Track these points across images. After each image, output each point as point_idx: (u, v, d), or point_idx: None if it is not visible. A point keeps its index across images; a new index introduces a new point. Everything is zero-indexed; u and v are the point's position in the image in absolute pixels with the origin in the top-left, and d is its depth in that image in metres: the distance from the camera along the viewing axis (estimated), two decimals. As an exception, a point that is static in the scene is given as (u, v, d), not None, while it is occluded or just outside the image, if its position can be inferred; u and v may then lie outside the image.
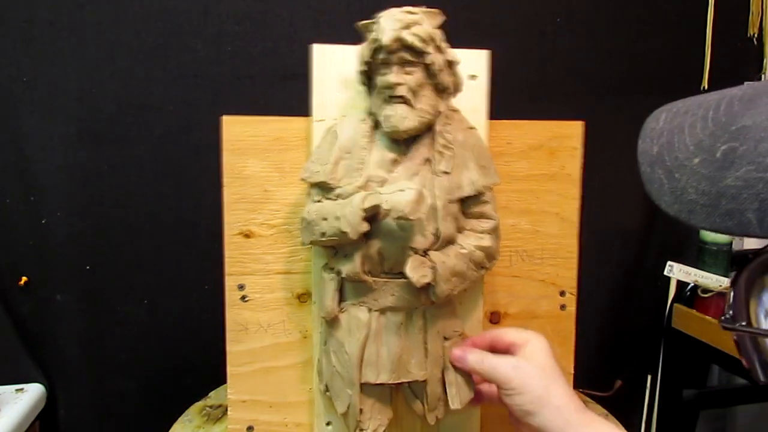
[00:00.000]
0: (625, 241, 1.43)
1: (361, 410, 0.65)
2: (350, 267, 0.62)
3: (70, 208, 1.14)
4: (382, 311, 0.64)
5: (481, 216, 0.66)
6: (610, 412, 0.85)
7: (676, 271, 1.25)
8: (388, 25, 0.59)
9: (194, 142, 1.15)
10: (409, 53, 0.60)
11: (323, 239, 0.62)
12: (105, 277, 1.17)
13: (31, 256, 1.14)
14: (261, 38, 1.16)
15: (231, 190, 0.72)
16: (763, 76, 1.44)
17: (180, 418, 0.85)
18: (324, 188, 0.64)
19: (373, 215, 0.59)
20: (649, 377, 1.37)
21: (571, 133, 0.77)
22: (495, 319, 0.78)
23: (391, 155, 0.63)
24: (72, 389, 1.19)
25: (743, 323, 0.48)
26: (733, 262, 1.24)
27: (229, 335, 0.73)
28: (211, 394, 0.92)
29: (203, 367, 1.01)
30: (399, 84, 0.60)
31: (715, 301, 1.23)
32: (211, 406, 0.88)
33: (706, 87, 1.40)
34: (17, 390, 1.11)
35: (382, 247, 0.61)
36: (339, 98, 0.70)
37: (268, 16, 1.16)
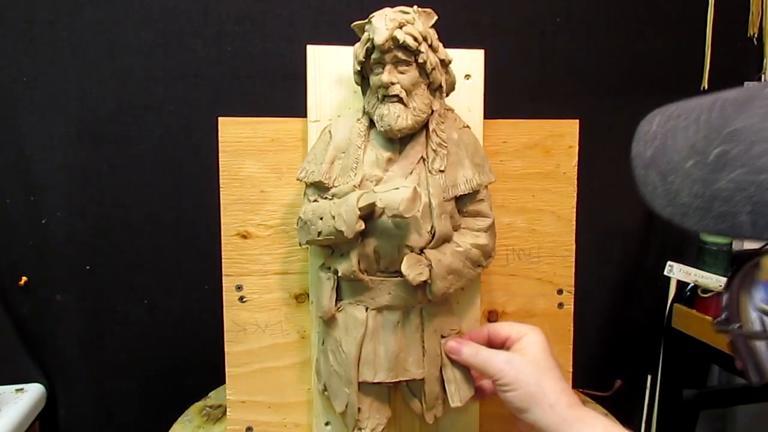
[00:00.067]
0: (625, 241, 1.43)
1: (359, 409, 0.65)
2: (347, 266, 0.62)
3: (70, 208, 1.14)
4: (379, 310, 0.64)
5: (477, 214, 0.66)
6: (610, 412, 0.85)
7: (676, 271, 1.25)
8: (381, 24, 0.59)
9: (194, 142, 1.15)
10: (402, 52, 0.60)
11: (320, 238, 0.62)
12: (105, 277, 1.17)
13: (31, 256, 1.14)
14: (261, 38, 1.17)
15: (228, 191, 0.72)
16: (763, 76, 1.44)
17: (180, 418, 0.86)
18: (320, 188, 0.64)
19: (368, 214, 0.59)
20: (649, 377, 1.37)
21: (566, 131, 0.78)
22: (492, 317, 0.78)
23: (386, 154, 0.63)
24: (72, 389, 1.20)
25: (737, 325, 0.48)
26: (733, 262, 1.24)
27: (227, 336, 0.73)
28: (211, 394, 0.92)
29: (203, 368, 1.01)
30: (393, 83, 0.60)
31: (715, 301, 1.23)
32: (210, 407, 0.88)
33: (706, 87, 1.40)
34: (17, 390, 1.11)
35: (378, 246, 0.62)
36: (334, 99, 0.70)
37: (268, 16, 1.16)
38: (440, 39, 0.63)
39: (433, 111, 0.64)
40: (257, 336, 0.73)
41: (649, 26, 1.36)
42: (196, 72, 1.15)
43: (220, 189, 0.72)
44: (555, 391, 0.57)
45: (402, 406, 0.70)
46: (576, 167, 0.78)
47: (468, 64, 0.72)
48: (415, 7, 0.62)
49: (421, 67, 0.61)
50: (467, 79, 0.72)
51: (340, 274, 0.64)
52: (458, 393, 0.65)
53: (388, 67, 0.61)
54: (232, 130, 0.72)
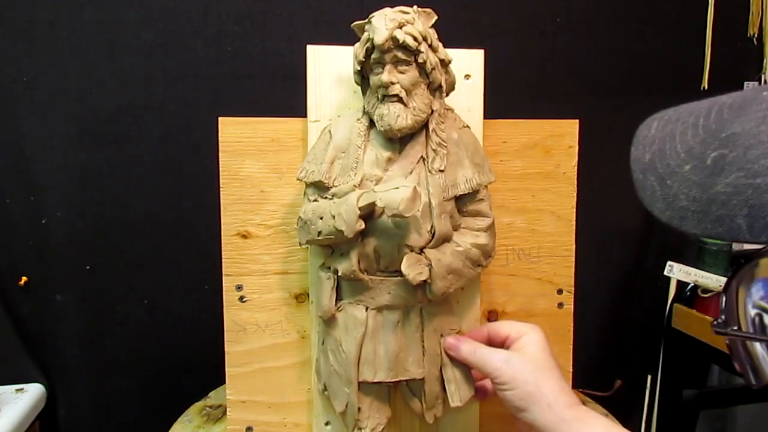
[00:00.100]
0: (625, 241, 1.43)
1: (359, 409, 0.65)
2: (346, 265, 0.62)
3: (70, 208, 1.14)
4: (379, 309, 0.64)
5: (477, 214, 0.66)
6: (610, 412, 0.85)
7: (676, 271, 1.25)
8: (381, 24, 0.59)
9: (194, 142, 1.15)
10: (402, 52, 0.60)
11: (320, 238, 0.62)
12: (105, 277, 1.17)
13: (31, 256, 1.14)
14: (261, 38, 1.17)
15: (228, 191, 0.72)
16: (763, 76, 1.44)
17: (180, 418, 0.86)
18: (320, 187, 0.64)
19: (368, 213, 0.59)
20: (649, 377, 1.37)
21: (566, 131, 0.78)
22: (492, 317, 0.78)
23: (386, 154, 0.63)
24: (72, 389, 1.20)
25: (735, 328, 0.48)
26: (733, 263, 1.24)
27: (227, 336, 0.73)
28: (211, 394, 0.92)
29: (203, 367, 1.01)
30: (393, 83, 0.60)
31: (715, 301, 1.23)
32: (210, 406, 0.88)
33: (706, 87, 1.41)
34: (17, 390, 1.11)
35: (378, 245, 0.62)
36: (334, 99, 0.70)
37: (268, 16, 1.17)
38: (440, 39, 0.63)
39: (432, 111, 0.64)
40: (257, 336, 0.73)
41: (649, 26, 1.36)
42: (196, 72, 1.15)
43: (220, 189, 0.72)
44: (553, 391, 0.57)
45: (402, 406, 0.70)
46: (576, 167, 0.78)
47: (468, 64, 0.72)
48: (415, 7, 0.62)
49: (421, 67, 0.61)
50: (467, 79, 0.72)
51: (340, 274, 0.64)
52: (458, 393, 0.65)
53: (388, 66, 0.61)
54: (232, 130, 0.72)
